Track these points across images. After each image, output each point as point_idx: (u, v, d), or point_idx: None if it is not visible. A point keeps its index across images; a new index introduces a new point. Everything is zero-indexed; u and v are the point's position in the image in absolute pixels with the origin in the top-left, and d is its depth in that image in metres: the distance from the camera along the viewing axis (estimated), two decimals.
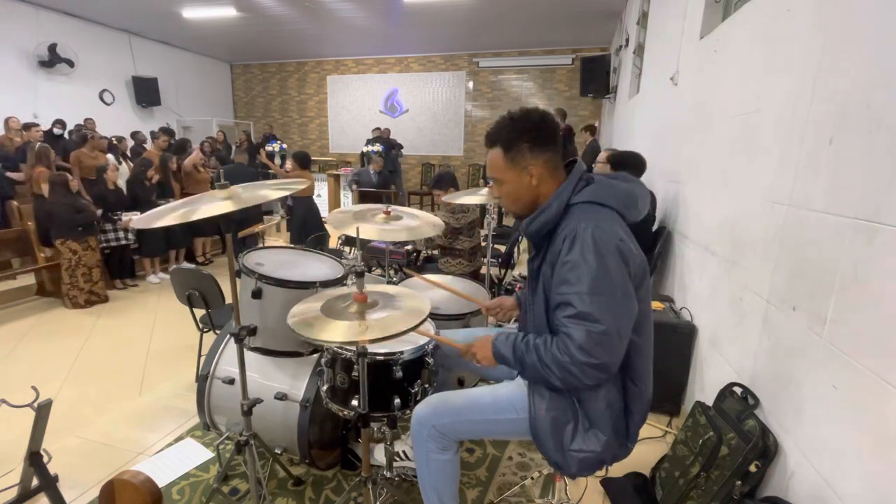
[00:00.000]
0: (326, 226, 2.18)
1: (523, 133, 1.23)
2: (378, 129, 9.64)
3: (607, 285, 1.11)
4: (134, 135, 7.34)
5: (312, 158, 10.34)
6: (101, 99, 8.50)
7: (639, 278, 1.20)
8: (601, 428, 1.24)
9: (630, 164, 2.95)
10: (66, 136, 6.59)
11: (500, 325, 1.96)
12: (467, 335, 1.70)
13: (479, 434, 1.46)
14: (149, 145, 6.96)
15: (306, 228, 4.58)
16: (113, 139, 6.79)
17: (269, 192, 1.44)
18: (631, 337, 1.19)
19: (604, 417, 1.24)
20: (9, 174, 5.32)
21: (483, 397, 1.41)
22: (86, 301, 4.16)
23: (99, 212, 4.40)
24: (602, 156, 3.22)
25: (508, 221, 7.80)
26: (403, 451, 1.97)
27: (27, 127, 5.99)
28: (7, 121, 6.09)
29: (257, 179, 5.34)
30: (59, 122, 6.60)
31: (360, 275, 1.34)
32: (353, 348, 1.50)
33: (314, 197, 5.23)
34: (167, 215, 1.28)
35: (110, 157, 6.21)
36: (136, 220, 1.32)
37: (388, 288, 1.47)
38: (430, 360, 1.66)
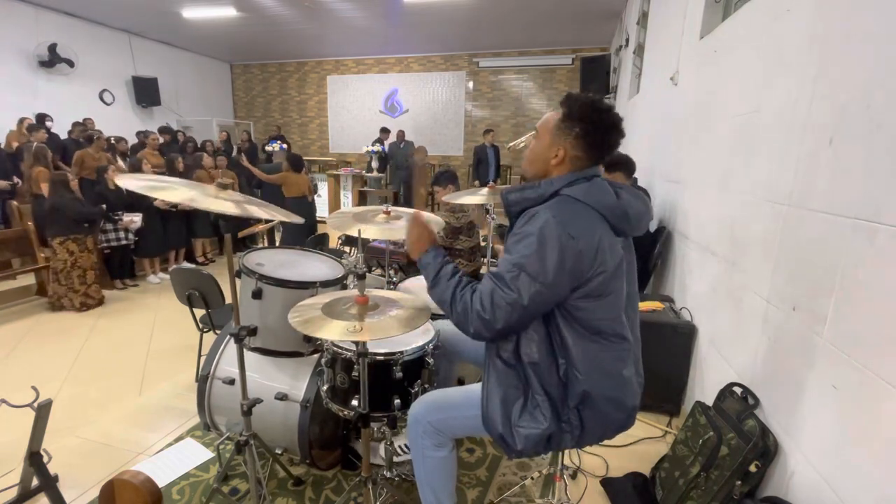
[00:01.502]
0: (326, 226, 2.17)
1: (587, 120, 1.22)
2: (388, 130, 9.58)
3: (532, 267, 1.14)
4: (138, 134, 7.34)
5: (312, 159, 10.40)
6: (101, 99, 8.50)
7: (594, 273, 1.17)
8: (546, 407, 1.24)
9: (619, 164, 2.95)
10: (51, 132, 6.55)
11: None
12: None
13: (473, 430, 1.46)
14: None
15: (299, 230, 4.58)
16: (112, 139, 6.79)
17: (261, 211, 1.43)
18: (579, 328, 1.21)
19: (550, 396, 1.24)
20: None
21: (477, 393, 1.41)
22: (81, 304, 4.10)
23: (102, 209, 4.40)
24: None
25: (508, 221, 7.77)
26: (404, 446, 1.97)
27: (31, 129, 5.98)
28: (22, 121, 6.04)
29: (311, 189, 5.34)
30: (49, 118, 6.56)
31: (361, 277, 1.35)
32: (354, 348, 1.50)
33: (315, 197, 5.26)
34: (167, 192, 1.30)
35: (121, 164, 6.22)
36: (126, 181, 1.33)
37: (392, 293, 1.48)
38: (430, 361, 1.66)
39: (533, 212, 1.20)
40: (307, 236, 4.40)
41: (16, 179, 5.37)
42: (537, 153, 1.30)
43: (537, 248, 1.14)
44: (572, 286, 1.17)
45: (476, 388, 1.45)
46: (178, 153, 5.70)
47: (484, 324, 1.18)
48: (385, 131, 9.34)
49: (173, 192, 1.30)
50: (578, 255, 1.15)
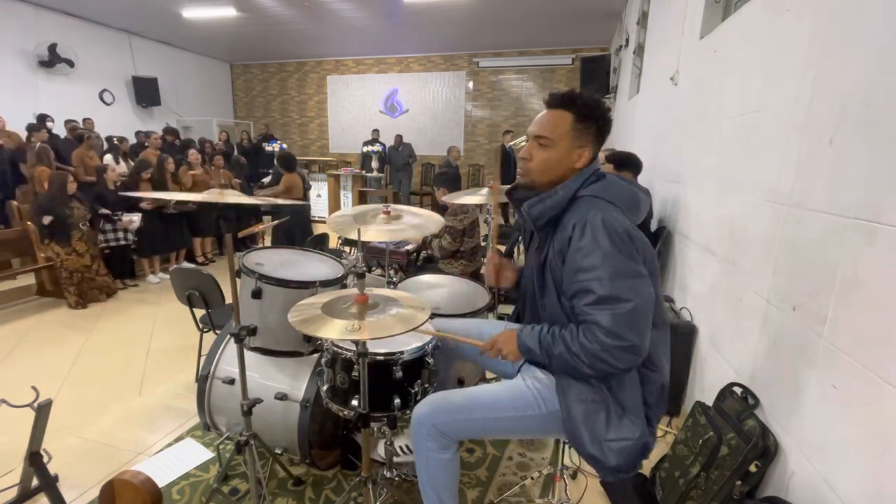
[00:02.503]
0: (326, 227, 2.18)
1: (600, 117, 1.23)
2: (378, 131, 9.63)
3: (623, 267, 1.12)
4: (137, 134, 7.35)
5: (312, 159, 10.41)
6: (101, 99, 8.51)
7: (649, 267, 1.20)
8: (635, 414, 1.22)
9: (630, 163, 2.96)
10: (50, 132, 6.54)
11: (500, 318, 1.95)
12: (468, 325, 1.68)
13: (478, 433, 1.46)
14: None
15: (292, 235, 4.55)
16: (115, 139, 6.79)
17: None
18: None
19: (636, 402, 1.23)
20: None
21: (483, 396, 1.40)
22: (76, 303, 4.14)
23: (93, 211, 4.37)
24: (600, 156, 3.20)
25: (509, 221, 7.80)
26: (406, 446, 1.97)
27: (32, 128, 5.97)
28: None
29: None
30: (50, 119, 6.56)
31: (360, 276, 1.35)
32: (354, 348, 1.50)
33: (315, 197, 5.22)
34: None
35: (108, 157, 6.21)
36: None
37: (391, 291, 1.48)
38: (431, 360, 1.66)
39: (577, 220, 1.17)
40: (304, 238, 4.39)
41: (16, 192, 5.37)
42: (556, 160, 1.26)
43: (615, 249, 1.11)
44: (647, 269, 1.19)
45: (479, 390, 1.44)
46: (168, 154, 5.67)
47: (632, 350, 1.11)
48: (376, 132, 9.39)
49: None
50: (640, 239, 1.17)
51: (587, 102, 1.24)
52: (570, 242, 1.18)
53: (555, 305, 1.28)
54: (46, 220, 4.04)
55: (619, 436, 1.21)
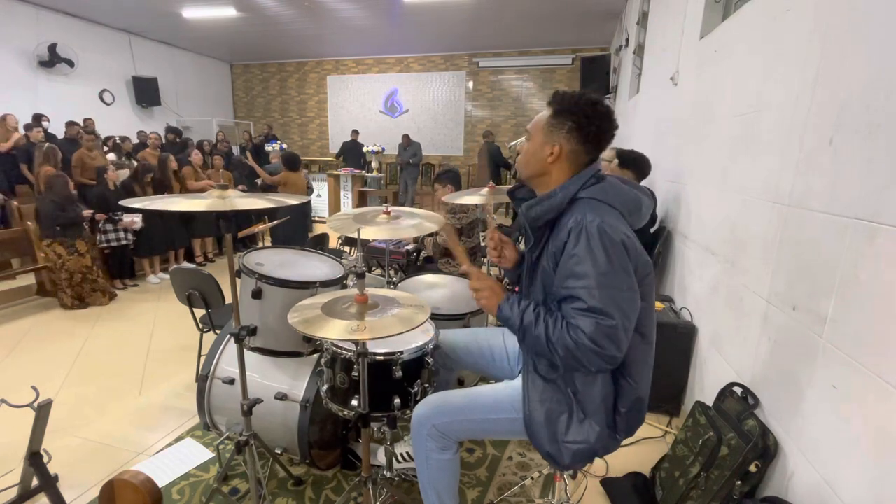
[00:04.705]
0: (326, 227, 2.18)
1: (577, 113, 1.20)
2: (357, 131, 9.61)
3: (614, 279, 1.11)
4: (139, 134, 7.36)
5: (312, 159, 10.40)
6: (101, 99, 8.50)
7: (641, 275, 1.19)
8: (595, 419, 1.24)
9: (637, 163, 2.92)
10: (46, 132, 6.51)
11: (499, 326, 1.93)
12: (468, 335, 1.70)
13: (478, 434, 1.46)
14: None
15: (289, 235, 4.54)
16: (131, 142, 6.78)
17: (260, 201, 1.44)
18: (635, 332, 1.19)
19: (598, 409, 1.24)
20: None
21: (483, 397, 1.40)
22: (71, 304, 4.13)
23: (89, 212, 4.36)
24: (608, 153, 3.13)
25: (508, 221, 7.80)
26: (407, 453, 1.97)
27: (29, 127, 5.97)
28: (5, 118, 6.02)
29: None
30: (45, 118, 6.55)
31: (360, 276, 1.35)
32: (353, 348, 1.50)
33: (315, 196, 5.22)
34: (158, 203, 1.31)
35: (112, 156, 6.22)
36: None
37: (390, 292, 1.48)
38: (430, 360, 1.66)
39: (573, 225, 1.15)
40: (303, 237, 4.39)
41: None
42: (532, 153, 1.28)
43: (609, 260, 1.10)
44: (638, 279, 1.17)
45: (480, 391, 1.44)
46: (170, 152, 5.67)
47: (606, 360, 1.12)
48: (355, 132, 9.36)
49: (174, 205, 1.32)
50: (635, 249, 1.16)
51: (567, 97, 1.23)
52: (564, 248, 1.16)
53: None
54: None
55: (576, 438, 1.24)
